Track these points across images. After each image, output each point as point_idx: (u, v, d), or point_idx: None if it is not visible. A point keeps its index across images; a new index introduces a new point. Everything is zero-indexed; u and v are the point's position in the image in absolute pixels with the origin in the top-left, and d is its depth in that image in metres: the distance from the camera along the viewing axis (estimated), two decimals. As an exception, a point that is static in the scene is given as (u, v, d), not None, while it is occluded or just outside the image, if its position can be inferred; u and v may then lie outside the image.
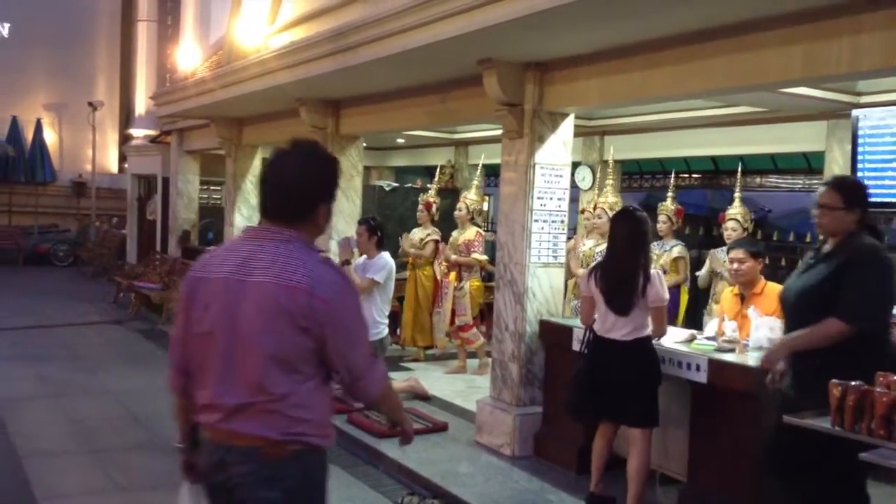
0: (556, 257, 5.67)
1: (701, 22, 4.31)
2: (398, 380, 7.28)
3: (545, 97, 5.57)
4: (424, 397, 6.96)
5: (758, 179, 10.26)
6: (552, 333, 5.51)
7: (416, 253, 8.62)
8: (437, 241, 8.53)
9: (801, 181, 9.41)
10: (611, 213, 6.49)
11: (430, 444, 5.78)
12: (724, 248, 6.75)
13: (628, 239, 4.43)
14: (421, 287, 8.60)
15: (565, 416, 4.88)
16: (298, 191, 2.42)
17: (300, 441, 2.36)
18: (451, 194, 10.69)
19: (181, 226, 13.35)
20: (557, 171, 5.66)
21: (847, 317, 3.33)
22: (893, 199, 6.50)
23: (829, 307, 3.36)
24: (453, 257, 8.05)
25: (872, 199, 6.60)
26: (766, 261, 5.52)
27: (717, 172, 10.40)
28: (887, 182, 6.54)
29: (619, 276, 4.41)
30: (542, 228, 5.61)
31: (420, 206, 8.77)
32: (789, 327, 3.68)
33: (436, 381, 7.57)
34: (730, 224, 6.51)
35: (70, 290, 14.76)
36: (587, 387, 4.51)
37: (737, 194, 6.78)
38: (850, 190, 3.54)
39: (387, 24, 5.40)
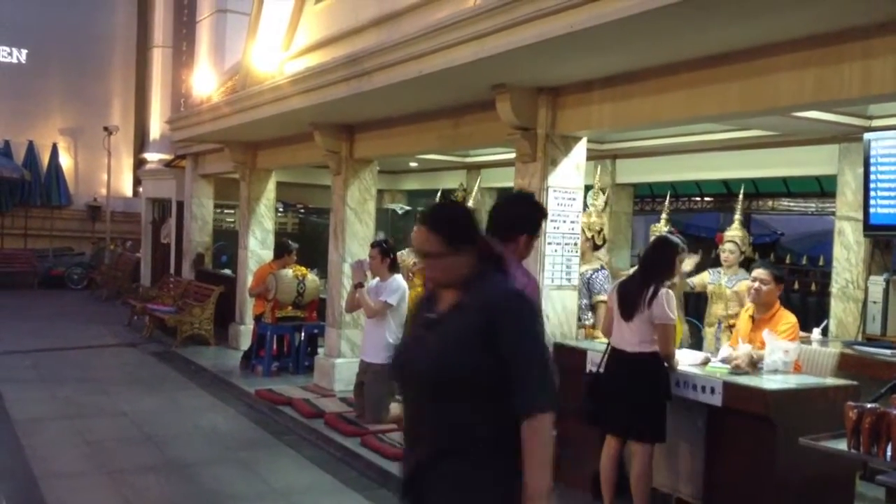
0: (569, 280, 5.70)
1: (713, 47, 4.36)
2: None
3: (558, 121, 5.62)
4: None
5: (770, 203, 10.24)
6: (566, 356, 5.50)
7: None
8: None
9: (813, 204, 9.39)
10: (588, 234, 7.01)
11: (444, 467, 5.77)
12: (718, 270, 6.76)
13: (649, 259, 4.73)
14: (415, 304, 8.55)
15: (579, 438, 4.88)
16: (510, 220, 3.49)
17: None
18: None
19: (195, 249, 13.43)
20: (570, 194, 5.71)
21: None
22: (908, 223, 6.49)
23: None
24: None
25: (885, 224, 6.75)
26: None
27: (728, 195, 10.39)
28: (901, 206, 6.54)
29: (631, 287, 4.64)
30: (556, 251, 5.64)
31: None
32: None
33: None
34: (728, 246, 6.52)
35: (85, 313, 14.86)
36: (598, 394, 4.65)
37: (737, 216, 6.80)
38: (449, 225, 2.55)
39: (401, 49, 5.48)
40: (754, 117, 5.72)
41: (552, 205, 5.62)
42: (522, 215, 3.59)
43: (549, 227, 5.61)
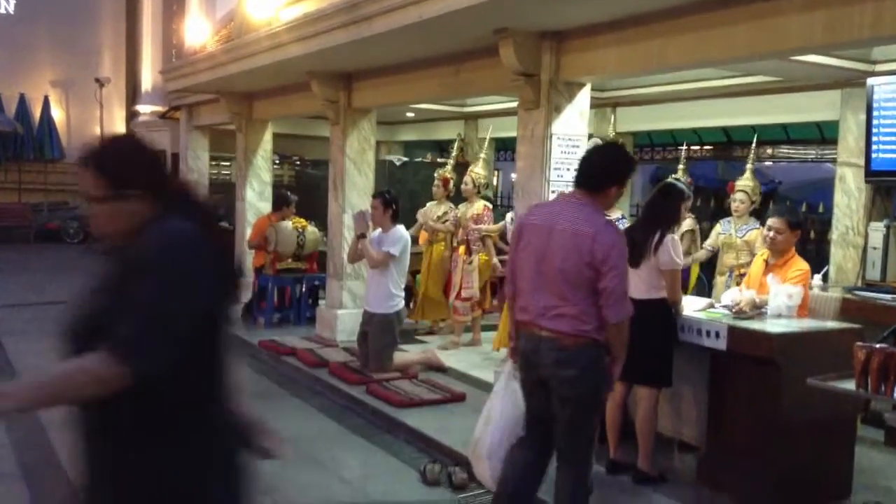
0: (572, 228, 5.68)
1: (721, -11, 4.29)
2: (415, 351, 7.34)
3: (562, 67, 5.56)
4: (441, 369, 7.02)
5: (769, 150, 10.21)
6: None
7: (436, 227, 8.57)
8: (456, 217, 8.52)
9: (813, 151, 9.37)
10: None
11: (449, 414, 5.84)
12: (728, 220, 6.77)
13: (655, 206, 4.73)
14: (433, 262, 8.61)
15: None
16: (599, 172, 3.62)
17: (586, 335, 3.47)
18: (462, 168, 10.68)
19: (192, 201, 13.34)
20: (574, 141, 5.67)
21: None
22: (910, 169, 6.48)
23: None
24: (476, 226, 7.97)
25: (886, 170, 6.73)
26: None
27: (729, 144, 10.36)
28: (903, 151, 6.52)
29: (636, 234, 4.60)
30: (559, 199, 5.62)
31: (436, 182, 8.69)
32: None
33: (451, 353, 7.62)
34: (738, 196, 6.51)
35: (83, 267, 14.79)
36: None
37: (748, 166, 6.77)
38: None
39: (402, -7, 5.39)
40: (764, 60, 5.63)
41: (556, 153, 5.60)
42: (613, 166, 3.67)
43: (552, 175, 5.59)
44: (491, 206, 8.41)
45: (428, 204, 8.82)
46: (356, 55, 7.05)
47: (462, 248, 8.13)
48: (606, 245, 3.43)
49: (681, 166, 7.37)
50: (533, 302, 3.58)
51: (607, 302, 3.45)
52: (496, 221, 8.29)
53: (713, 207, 10.89)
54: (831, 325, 4.57)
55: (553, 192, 5.59)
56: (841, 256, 7.12)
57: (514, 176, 8.68)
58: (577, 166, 3.76)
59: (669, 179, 5.99)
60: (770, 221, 5.09)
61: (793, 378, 4.12)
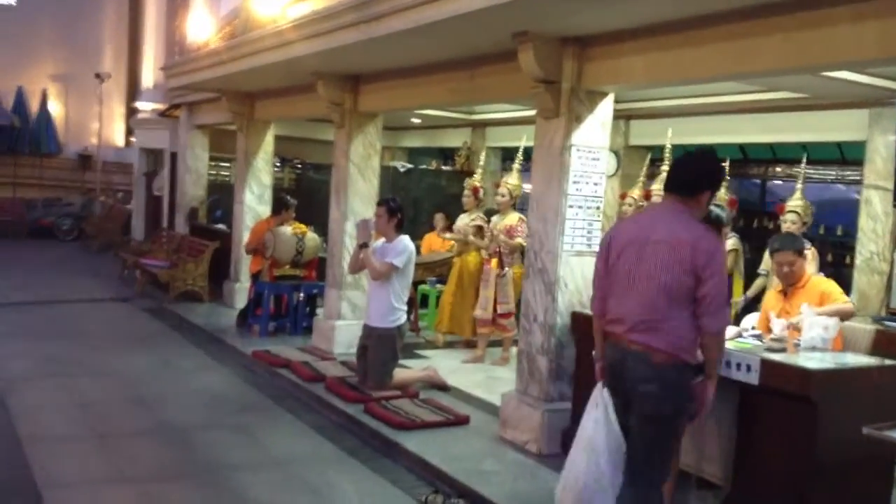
0: (590, 245, 5.35)
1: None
2: (416, 368, 7.01)
3: (584, 75, 5.24)
4: (443, 388, 6.68)
5: (785, 169, 9.89)
6: (584, 326, 5.18)
7: (458, 238, 8.33)
8: (480, 226, 8.21)
9: (833, 172, 9.05)
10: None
11: (452, 438, 5.51)
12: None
13: None
14: (467, 274, 8.29)
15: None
16: (695, 177, 3.59)
17: (676, 354, 3.43)
18: (464, 176, 10.37)
19: (189, 202, 13.02)
20: (595, 153, 5.35)
21: None
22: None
23: None
24: (502, 238, 7.66)
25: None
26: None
27: (745, 161, 10.05)
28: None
29: None
30: (577, 214, 5.30)
31: (466, 192, 8.46)
32: None
33: (453, 371, 7.28)
34: (789, 216, 6.23)
35: (75, 265, 14.50)
36: None
37: (798, 185, 6.48)
38: None
39: (418, -9, 5.07)
40: (808, 73, 5.33)
41: (575, 164, 5.27)
42: (707, 173, 3.64)
43: (570, 188, 5.27)
44: (525, 218, 8.08)
45: (460, 216, 8.53)
46: (365, 56, 6.74)
47: (494, 262, 7.80)
48: (707, 251, 3.40)
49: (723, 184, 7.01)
50: (627, 315, 3.53)
51: (707, 309, 3.41)
52: None
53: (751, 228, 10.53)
54: (870, 360, 4.24)
55: (570, 206, 5.28)
56: (865, 283, 6.82)
57: (527, 187, 8.42)
58: (667, 171, 3.77)
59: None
60: (779, 257, 4.97)
61: (830, 417, 3.83)
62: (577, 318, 5.27)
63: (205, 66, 9.25)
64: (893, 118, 6.54)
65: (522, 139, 8.16)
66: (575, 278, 5.32)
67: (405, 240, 6.45)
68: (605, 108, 5.37)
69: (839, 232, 8.85)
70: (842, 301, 4.80)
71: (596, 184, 5.37)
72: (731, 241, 6.48)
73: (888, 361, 4.18)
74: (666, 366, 3.44)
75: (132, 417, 5.99)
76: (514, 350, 7.70)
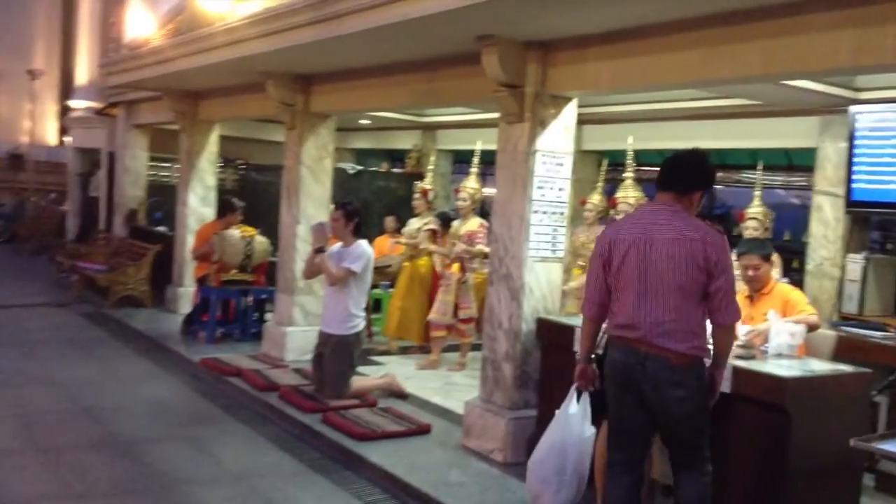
0: (554, 251, 5.31)
1: (735, 1, 3.96)
2: (374, 376, 6.86)
3: (548, 79, 5.19)
4: (402, 396, 6.55)
5: (731, 175, 10.04)
6: (550, 332, 5.15)
7: (410, 243, 8.20)
8: (434, 231, 8.09)
9: (780, 178, 9.21)
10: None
11: (415, 448, 5.38)
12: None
13: None
14: (418, 279, 8.16)
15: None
16: (689, 175, 3.65)
17: (694, 354, 3.50)
18: (415, 179, 10.26)
19: (127, 204, 12.60)
20: (559, 158, 5.30)
21: None
22: (893, 201, 6.29)
23: None
24: (462, 247, 7.55)
25: (867, 200, 6.54)
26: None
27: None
28: (886, 182, 6.33)
29: None
30: (542, 220, 5.24)
31: (416, 194, 8.34)
32: None
33: (409, 377, 7.15)
34: (750, 223, 6.28)
35: (7, 269, 13.91)
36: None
37: (756, 192, 6.53)
38: None
39: (381, -10, 4.94)
40: (782, 80, 5.37)
41: (539, 170, 5.20)
42: (702, 171, 3.72)
43: (535, 193, 5.21)
44: (486, 223, 8.00)
45: (410, 221, 8.41)
46: (321, 56, 6.57)
47: (456, 266, 7.68)
48: (718, 246, 3.47)
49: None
50: (641, 319, 3.52)
51: (720, 304, 3.48)
52: None
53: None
54: (839, 367, 4.27)
55: (535, 211, 5.22)
56: (816, 288, 6.92)
57: (487, 191, 8.34)
58: (660, 170, 3.74)
59: None
60: (744, 261, 5.02)
61: (802, 424, 3.84)
62: (542, 324, 5.21)
63: (147, 63, 8.94)
64: (844, 125, 6.64)
65: (478, 143, 8.08)
66: (540, 284, 5.26)
67: (363, 244, 6.31)
68: (570, 113, 5.33)
69: (786, 237, 9.00)
70: (808, 312, 4.83)
71: (560, 189, 5.32)
72: None
73: (859, 369, 4.21)
74: (686, 367, 3.50)
75: (77, 430, 5.70)
76: (470, 355, 7.65)
